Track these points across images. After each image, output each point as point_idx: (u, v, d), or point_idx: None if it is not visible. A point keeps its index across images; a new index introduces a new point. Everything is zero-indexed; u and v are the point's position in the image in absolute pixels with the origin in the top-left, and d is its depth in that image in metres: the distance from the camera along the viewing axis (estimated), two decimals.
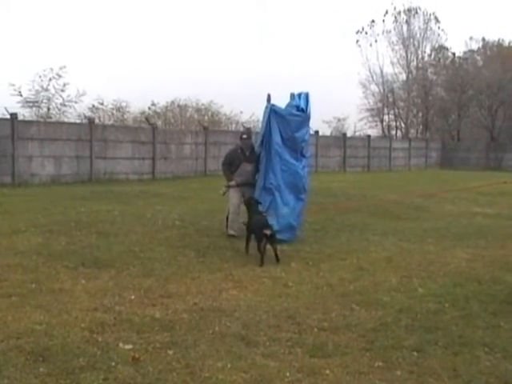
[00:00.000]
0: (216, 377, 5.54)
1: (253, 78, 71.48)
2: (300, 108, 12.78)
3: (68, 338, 6.35)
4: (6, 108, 23.07)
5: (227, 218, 13.00)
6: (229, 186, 13.11)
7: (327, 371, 5.81)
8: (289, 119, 12.67)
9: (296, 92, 13.06)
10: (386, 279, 9.54)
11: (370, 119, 60.53)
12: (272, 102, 12.92)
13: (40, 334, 6.49)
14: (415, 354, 6.32)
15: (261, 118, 14.08)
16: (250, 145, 13.21)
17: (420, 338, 6.79)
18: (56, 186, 21.32)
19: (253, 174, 12.98)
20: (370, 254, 11.48)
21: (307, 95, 12.96)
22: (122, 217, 14.15)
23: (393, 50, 59.80)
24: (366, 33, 58.63)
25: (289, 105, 12.98)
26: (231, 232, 12.70)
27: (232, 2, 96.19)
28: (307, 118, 13.03)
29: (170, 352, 6.06)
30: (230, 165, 13.14)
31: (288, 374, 5.68)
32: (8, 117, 22.51)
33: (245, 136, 13.38)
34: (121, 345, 6.25)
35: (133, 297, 7.96)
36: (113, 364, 5.74)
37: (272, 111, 12.66)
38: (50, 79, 32.85)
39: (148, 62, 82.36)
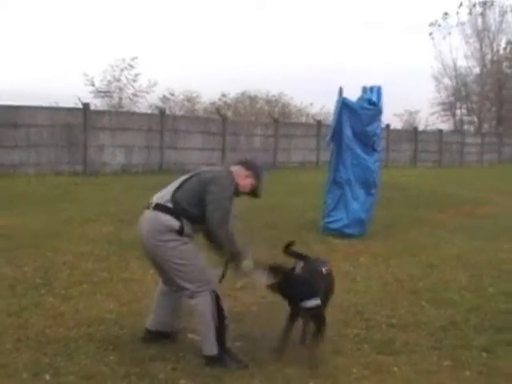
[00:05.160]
0: (282, 371, 5.57)
1: (324, 69, 71.17)
2: (372, 102, 12.69)
3: (138, 327, 6.43)
4: (79, 98, 23.43)
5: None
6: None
7: (395, 368, 5.78)
8: (360, 113, 12.59)
9: (368, 86, 12.97)
10: (455, 277, 9.41)
11: (442, 113, 59.47)
12: (344, 95, 12.88)
13: (110, 323, 6.62)
14: (484, 354, 6.22)
15: (331, 111, 14.03)
16: None
17: (490, 338, 6.68)
18: (126, 176, 21.61)
19: None
20: (440, 251, 11.34)
21: (379, 89, 12.85)
22: None
23: (467, 42, 58.55)
24: (440, 25, 57.65)
25: (360, 98, 12.90)
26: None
27: None
28: (379, 112, 12.93)
29: (238, 344, 6.09)
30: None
31: (355, 370, 5.68)
32: (81, 106, 22.89)
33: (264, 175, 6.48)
34: (190, 335, 6.32)
35: None
36: (181, 354, 5.82)
37: (343, 105, 12.60)
38: (122, 70, 33.22)
39: (219, 52, 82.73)
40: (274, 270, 5.87)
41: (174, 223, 5.63)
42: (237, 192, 6.09)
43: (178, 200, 5.71)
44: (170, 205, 5.69)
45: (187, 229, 5.70)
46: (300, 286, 5.85)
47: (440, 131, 43.17)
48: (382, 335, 6.64)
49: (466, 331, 6.90)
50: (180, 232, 5.66)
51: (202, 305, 5.67)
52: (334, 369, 5.69)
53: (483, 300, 8.15)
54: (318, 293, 5.84)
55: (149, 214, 5.79)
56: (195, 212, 5.74)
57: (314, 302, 5.78)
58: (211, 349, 5.65)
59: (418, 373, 5.71)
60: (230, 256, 5.93)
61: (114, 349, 5.89)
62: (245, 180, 6.16)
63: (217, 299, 5.69)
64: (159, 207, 5.71)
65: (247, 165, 6.28)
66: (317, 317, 5.85)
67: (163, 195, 5.83)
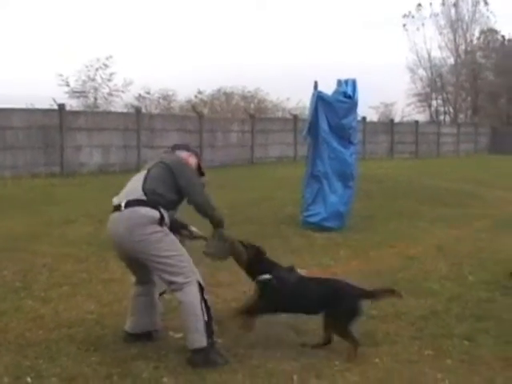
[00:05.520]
0: (265, 365, 5.56)
1: (299, 65, 71.23)
2: (347, 95, 12.72)
3: (119, 327, 6.37)
4: (53, 99, 23.24)
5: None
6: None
7: (376, 359, 5.79)
8: (336, 106, 12.62)
9: (343, 79, 12.99)
10: (435, 267, 9.47)
11: (418, 104, 59.79)
12: (319, 89, 12.90)
13: (91, 324, 6.59)
14: (466, 342, 6.26)
15: (308, 105, 14.03)
16: None
17: (471, 326, 6.73)
18: (104, 175, 21.46)
19: None
20: (420, 242, 11.41)
21: (354, 82, 12.88)
22: None
23: (440, 33, 58.88)
24: (413, 17, 57.89)
25: (336, 91, 12.92)
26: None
27: None
28: (354, 105, 12.96)
29: (220, 341, 6.07)
30: None
31: (337, 363, 5.67)
32: (56, 107, 22.73)
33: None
34: (171, 333, 6.31)
35: None
36: (163, 353, 5.79)
37: (319, 98, 12.63)
38: (97, 69, 33.18)
39: (194, 50, 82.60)
40: (248, 246, 6.29)
41: (155, 213, 5.55)
42: None
43: (152, 190, 5.66)
44: (143, 197, 5.62)
45: (166, 217, 5.65)
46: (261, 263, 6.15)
47: (416, 122, 43.30)
48: (363, 327, 6.64)
49: (446, 320, 6.94)
50: (161, 221, 5.58)
51: (190, 296, 5.56)
52: (317, 362, 5.69)
53: (464, 289, 8.20)
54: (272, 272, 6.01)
55: (122, 214, 5.65)
56: (172, 197, 5.76)
57: (263, 277, 5.98)
58: (200, 341, 5.53)
59: (400, 363, 5.73)
60: (216, 223, 6.07)
61: (95, 349, 5.85)
62: (192, 159, 6.27)
63: (201, 290, 5.63)
64: (132, 203, 5.62)
65: (183, 147, 6.49)
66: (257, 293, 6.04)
67: (130, 193, 5.78)
